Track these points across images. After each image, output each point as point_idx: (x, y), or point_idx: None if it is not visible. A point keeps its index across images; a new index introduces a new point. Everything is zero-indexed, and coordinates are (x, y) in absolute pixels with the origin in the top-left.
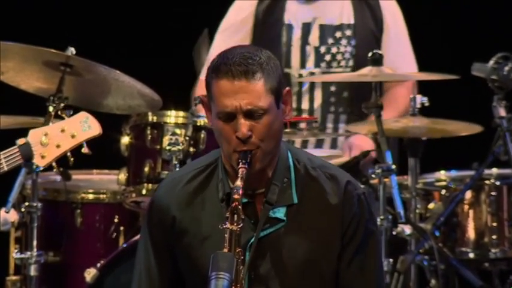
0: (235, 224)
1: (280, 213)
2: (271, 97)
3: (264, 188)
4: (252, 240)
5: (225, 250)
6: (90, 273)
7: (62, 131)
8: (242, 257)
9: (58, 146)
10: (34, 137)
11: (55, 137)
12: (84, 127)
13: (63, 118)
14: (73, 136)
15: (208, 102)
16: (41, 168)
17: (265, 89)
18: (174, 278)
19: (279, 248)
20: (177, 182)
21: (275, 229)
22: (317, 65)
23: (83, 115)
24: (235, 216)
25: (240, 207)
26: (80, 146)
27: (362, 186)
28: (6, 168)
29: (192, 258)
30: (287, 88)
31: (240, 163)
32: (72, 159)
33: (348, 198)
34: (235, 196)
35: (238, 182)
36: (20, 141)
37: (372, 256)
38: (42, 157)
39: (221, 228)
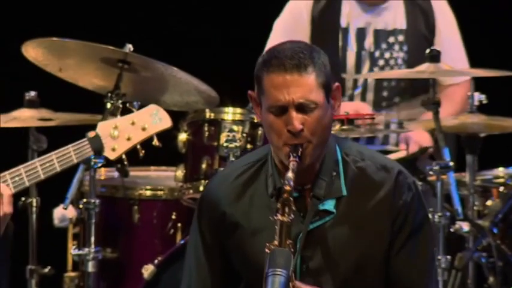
0: (286, 216)
1: (329, 205)
2: (322, 91)
3: (311, 183)
4: (301, 233)
5: (275, 242)
6: (147, 270)
7: (132, 123)
8: (292, 249)
9: (129, 139)
10: (103, 129)
11: (125, 130)
12: (155, 120)
13: (131, 111)
14: (144, 129)
15: (258, 97)
16: (100, 165)
17: (316, 83)
18: (225, 274)
19: (329, 240)
20: (226, 177)
21: (324, 221)
22: (371, 70)
23: (153, 108)
24: (286, 207)
25: (291, 198)
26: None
27: (420, 183)
28: (75, 161)
29: (243, 253)
30: (337, 84)
31: (291, 156)
32: (143, 151)
33: (399, 188)
34: (287, 188)
35: (290, 174)
36: (90, 134)
37: (422, 245)
38: (113, 150)
39: (272, 221)
